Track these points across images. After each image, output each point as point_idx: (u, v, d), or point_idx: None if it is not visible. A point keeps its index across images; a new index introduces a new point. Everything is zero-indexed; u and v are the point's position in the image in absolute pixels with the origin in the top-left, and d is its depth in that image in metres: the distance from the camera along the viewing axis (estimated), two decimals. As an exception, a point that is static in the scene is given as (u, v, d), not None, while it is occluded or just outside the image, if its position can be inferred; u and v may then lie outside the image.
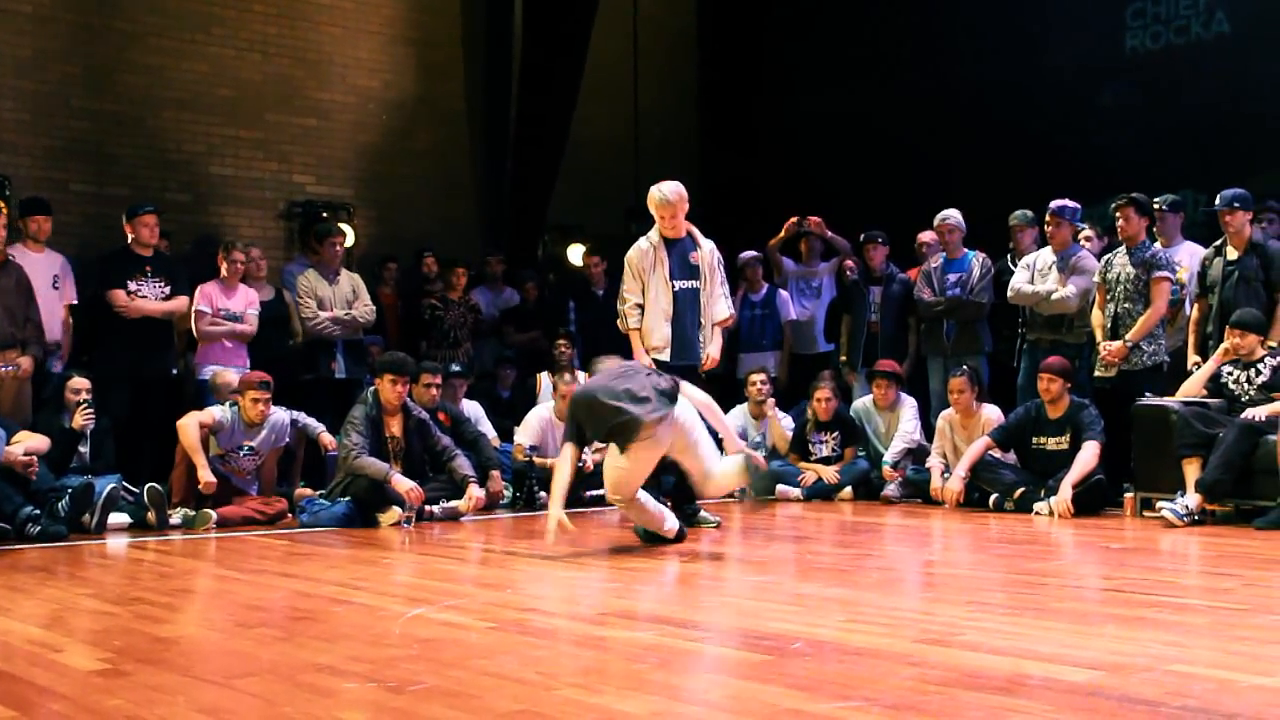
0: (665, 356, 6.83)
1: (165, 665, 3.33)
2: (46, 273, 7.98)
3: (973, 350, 8.82)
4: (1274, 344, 7.13)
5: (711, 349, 7.00)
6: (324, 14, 11.28)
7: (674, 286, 6.89)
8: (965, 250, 8.95)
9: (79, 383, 7.35)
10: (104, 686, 3.05)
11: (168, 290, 8.18)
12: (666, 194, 6.87)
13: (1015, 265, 8.56)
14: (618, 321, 7.08)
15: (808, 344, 10.18)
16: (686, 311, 6.90)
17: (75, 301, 8.22)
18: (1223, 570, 5.27)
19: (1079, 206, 8.22)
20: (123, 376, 7.97)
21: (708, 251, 7.01)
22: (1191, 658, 3.19)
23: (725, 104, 13.28)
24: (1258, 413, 6.71)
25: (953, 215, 8.96)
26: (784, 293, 10.15)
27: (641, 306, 6.92)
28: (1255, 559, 5.44)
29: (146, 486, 7.07)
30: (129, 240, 8.20)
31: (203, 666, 3.39)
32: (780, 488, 8.78)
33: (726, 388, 9.63)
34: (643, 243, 6.99)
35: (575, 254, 11.75)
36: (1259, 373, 7.01)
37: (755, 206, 12.07)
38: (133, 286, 8.07)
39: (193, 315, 8.40)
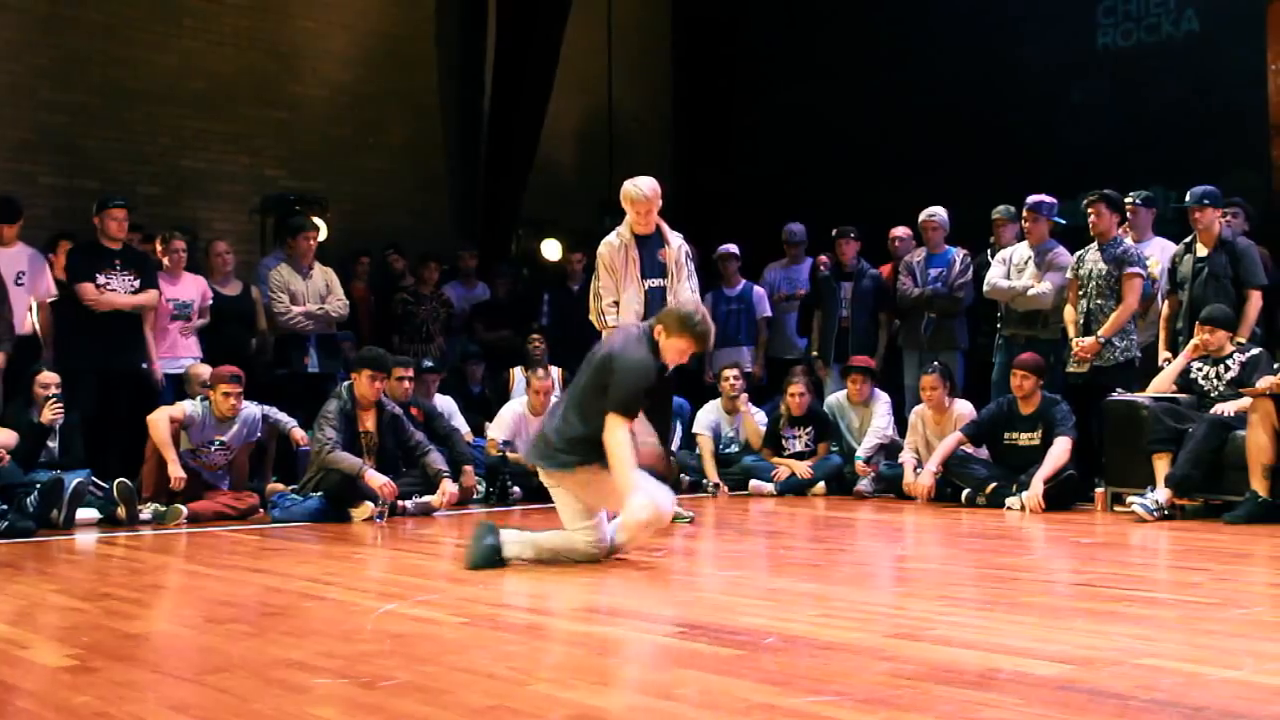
0: None
1: (135, 661, 3.31)
2: (11, 268, 7.88)
3: (949, 346, 8.86)
4: (1243, 340, 7.19)
5: None
6: (296, 7, 11.23)
7: (645, 285, 6.80)
8: (947, 246, 8.99)
9: (47, 377, 7.28)
10: (72, 683, 3.02)
11: (137, 284, 8.10)
12: (643, 189, 6.74)
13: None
14: (591, 317, 6.99)
15: (788, 344, 10.14)
16: (658, 310, 6.78)
17: (55, 295, 8.09)
18: (1192, 565, 5.31)
19: (1055, 202, 8.25)
20: (91, 370, 7.89)
21: (675, 247, 6.90)
22: (1161, 651, 3.21)
23: (699, 98, 13.28)
24: (1227, 408, 6.76)
25: (939, 213, 8.99)
26: (759, 289, 10.14)
27: (617, 303, 6.81)
28: (1224, 553, 5.48)
29: (116, 482, 7.02)
30: (98, 233, 8.12)
31: (173, 663, 3.37)
32: (753, 483, 8.79)
33: (699, 384, 9.65)
34: (613, 239, 6.84)
35: (548, 248, 11.73)
36: (1228, 369, 7.06)
37: (729, 201, 12.09)
38: (101, 280, 7.98)
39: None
